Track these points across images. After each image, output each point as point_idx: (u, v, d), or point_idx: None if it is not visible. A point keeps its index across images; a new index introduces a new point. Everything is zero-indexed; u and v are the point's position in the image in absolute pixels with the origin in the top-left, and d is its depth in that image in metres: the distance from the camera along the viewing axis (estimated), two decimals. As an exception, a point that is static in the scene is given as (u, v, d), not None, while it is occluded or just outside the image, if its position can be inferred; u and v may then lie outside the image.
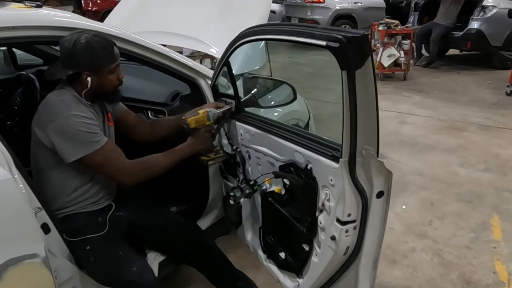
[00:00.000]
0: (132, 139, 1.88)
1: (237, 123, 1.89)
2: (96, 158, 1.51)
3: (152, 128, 1.91)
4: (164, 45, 1.97)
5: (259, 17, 2.40)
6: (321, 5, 9.23)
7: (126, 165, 1.60)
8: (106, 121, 1.72)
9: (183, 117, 1.76)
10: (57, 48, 2.78)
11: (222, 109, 1.84)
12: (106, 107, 1.73)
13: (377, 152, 1.31)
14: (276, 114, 2.35)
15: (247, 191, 1.75)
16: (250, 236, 2.03)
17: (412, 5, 7.86)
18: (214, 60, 3.90)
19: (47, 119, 1.50)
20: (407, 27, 6.99)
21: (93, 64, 1.51)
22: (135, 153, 1.65)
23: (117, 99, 1.72)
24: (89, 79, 1.52)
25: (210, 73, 2.04)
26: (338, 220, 1.40)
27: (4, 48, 3.13)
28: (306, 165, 1.50)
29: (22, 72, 2.61)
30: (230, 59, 1.86)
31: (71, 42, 1.48)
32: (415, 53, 7.29)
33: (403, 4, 9.79)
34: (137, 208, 1.80)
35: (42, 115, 1.54)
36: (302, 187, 1.54)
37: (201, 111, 1.77)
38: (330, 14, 9.16)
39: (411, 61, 6.81)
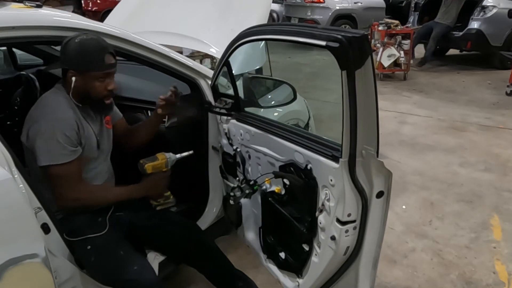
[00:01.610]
0: (120, 147, 1.87)
1: (237, 123, 1.89)
2: (57, 170, 1.50)
3: (131, 136, 1.90)
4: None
5: (259, 17, 2.40)
6: (321, 5, 9.23)
7: (77, 189, 1.57)
8: (103, 123, 1.73)
9: (141, 161, 1.71)
10: (58, 48, 2.78)
11: (182, 155, 1.79)
12: (98, 115, 1.72)
13: (377, 152, 1.31)
14: (276, 114, 2.35)
15: (247, 191, 1.75)
16: (250, 236, 2.03)
17: (412, 5, 7.86)
18: (214, 60, 3.89)
19: (32, 119, 1.53)
20: (407, 27, 6.99)
21: (79, 64, 1.51)
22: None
23: (105, 111, 1.69)
24: (73, 78, 1.53)
25: (210, 73, 2.04)
26: (338, 220, 1.40)
27: (4, 48, 3.13)
28: (306, 165, 1.50)
29: (22, 72, 2.61)
30: (230, 59, 1.86)
31: (68, 39, 1.51)
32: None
33: (403, 4, 9.78)
34: (137, 208, 1.80)
35: (32, 113, 1.56)
36: (302, 187, 1.54)
37: (160, 157, 1.73)
38: (330, 14, 9.16)
39: (411, 61, 6.80)
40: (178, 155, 1.78)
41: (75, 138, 1.55)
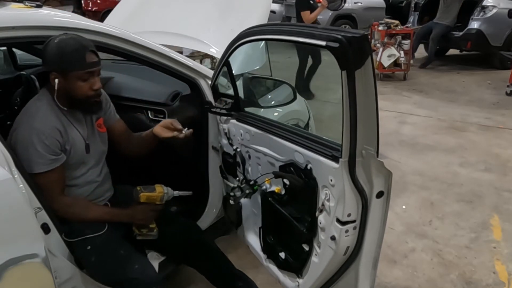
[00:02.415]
0: (117, 151, 1.84)
1: (237, 123, 1.89)
2: (37, 180, 1.45)
3: (129, 143, 1.85)
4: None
5: (259, 17, 2.40)
6: (321, 5, 9.22)
7: (58, 201, 1.52)
8: (95, 127, 1.70)
9: (137, 188, 1.66)
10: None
11: (180, 193, 1.73)
12: (88, 118, 1.69)
13: (377, 152, 1.31)
14: (276, 114, 2.35)
15: (247, 191, 1.75)
16: (250, 236, 2.03)
17: (412, 5, 7.85)
18: (214, 60, 3.89)
19: (14, 126, 1.51)
20: (407, 27, 6.98)
21: (60, 65, 1.46)
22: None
23: (93, 110, 1.64)
24: (56, 80, 1.48)
25: (210, 73, 2.04)
26: (338, 220, 1.40)
27: (4, 48, 3.13)
28: (306, 165, 1.50)
29: (22, 72, 2.60)
30: (230, 59, 1.86)
31: (47, 41, 1.48)
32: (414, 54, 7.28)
33: (403, 4, 9.78)
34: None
35: (16, 120, 1.53)
36: (302, 187, 1.54)
37: (158, 189, 1.67)
38: (330, 14, 9.15)
39: (411, 61, 6.79)
40: (176, 193, 1.71)
41: (56, 145, 1.50)
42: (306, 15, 5.25)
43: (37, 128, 1.47)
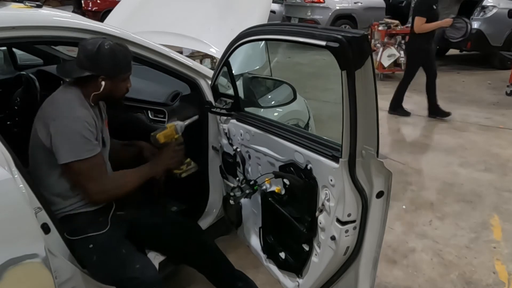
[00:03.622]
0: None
1: (237, 123, 1.89)
2: (82, 166, 1.51)
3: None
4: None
5: (259, 17, 2.39)
6: (321, 5, 9.24)
7: (104, 182, 1.58)
8: (105, 124, 1.73)
9: (152, 134, 1.76)
10: (57, 48, 2.78)
11: (189, 121, 1.84)
12: (105, 113, 1.74)
13: (377, 152, 1.31)
14: (276, 114, 2.35)
15: (247, 191, 1.75)
16: (250, 236, 2.03)
17: (412, 4, 7.85)
18: (214, 60, 3.89)
19: (50, 116, 1.52)
20: (407, 27, 6.97)
21: (112, 70, 1.56)
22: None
23: (121, 105, 1.74)
24: (103, 83, 1.56)
25: (210, 73, 2.04)
26: (338, 220, 1.40)
27: (4, 48, 3.13)
28: (306, 165, 1.50)
29: (22, 72, 2.61)
30: (230, 59, 1.86)
31: (95, 46, 1.52)
32: None
33: (403, 4, 9.79)
34: (137, 207, 1.81)
35: (46, 112, 1.56)
36: (302, 187, 1.54)
37: (168, 126, 1.78)
38: (330, 14, 9.17)
39: None
40: (187, 122, 1.81)
41: (95, 132, 1.57)
42: (421, 21, 4.35)
43: (79, 116, 1.52)
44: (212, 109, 1.99)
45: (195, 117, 1.87)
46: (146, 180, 1.70)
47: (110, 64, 1.54)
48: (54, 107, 1.55)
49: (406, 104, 5.31)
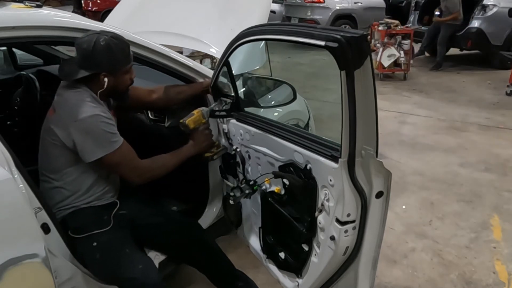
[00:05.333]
0: (147, 108, 2.05)
1: (237, 123, 1.89)
2: (113, 157, 1.56)
3: (168, 94, 1.96)
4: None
5: (259, 17, 2.39)
6: (321, 5, 9.23)
7: (139, 165, 1.66)
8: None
9: (181, 121, 1.81)
10: (57, 48, 2.77)
11: (212, 105, 1.93)
12: (111, 104, 1.75)
13: (377, 152, 1.31)
14: (276, 114, 2.35)
15: (247, 191, 1.75)
16: (250, 236, 2.03)
17: (413, 4, 7.84)
18: (214, 60, 3.89)
19: (70, 118, 1.53)
20: (407, 27, 6.98)
21: (111, 65, 1.56)
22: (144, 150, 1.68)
23: (127, 98, 1.75)
24: (106, 79, 1.56)
25: (210, 73, 2.04)
26: (338, 220, 1.40)
27: (4, 48, 3.14)
28: (306, 165, 1.51)
29: (22, 72, 2.61)
30: (230, 59, 1.86)
31: (90, 44, 1.50)
32: (416, 51, 7.21)
33: (403, 4, 9.79)
34: (138, 206, 1.81)
35: (63, 114, 1.56)
36: (302, 187, 1.54)
37: (195, 112, 1.83)
38: (330, 14, 9.16)
39: (411, 61, 6.77)
40: (212, 106, 1.91)
41: (115, 125, 1.61)
42: None
43: (99, 113, 1.54)
44: (216, 113, 1.98)
45: (216, 103, 1.93)
46: (181, 162, 1.76)
47: (108, 60, 1.54)
48: (70, 109, 1.55)
49: (405, 104, 5.32)
